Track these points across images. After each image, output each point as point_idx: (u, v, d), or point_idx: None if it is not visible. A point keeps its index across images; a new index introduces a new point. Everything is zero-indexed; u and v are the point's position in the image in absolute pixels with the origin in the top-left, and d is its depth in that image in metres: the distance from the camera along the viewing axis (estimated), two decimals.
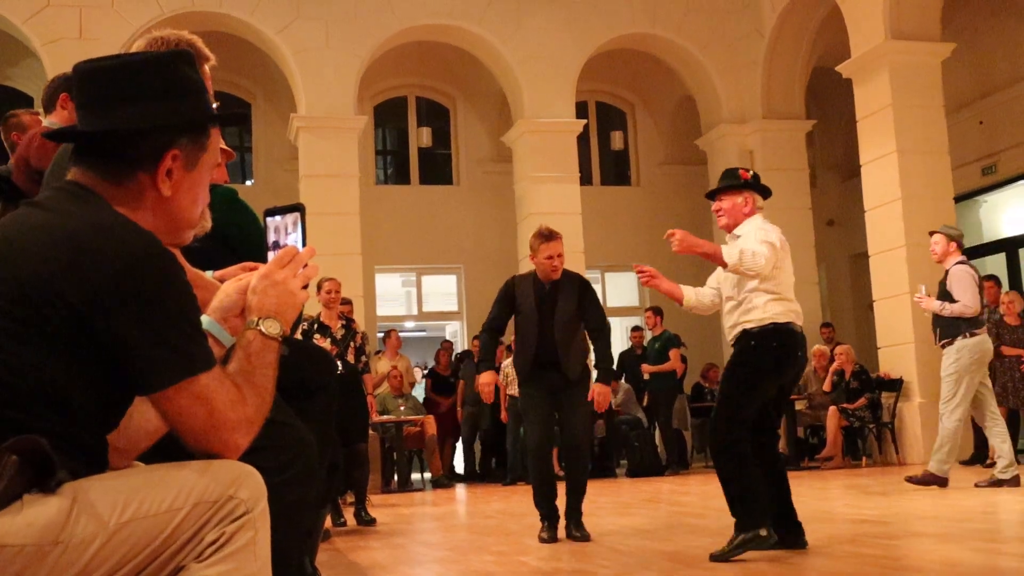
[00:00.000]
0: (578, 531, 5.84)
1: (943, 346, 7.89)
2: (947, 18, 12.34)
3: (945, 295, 7.89)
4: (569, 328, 5.98)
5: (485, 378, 6.09)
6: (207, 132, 1.81)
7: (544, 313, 5.97)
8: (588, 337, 6.16)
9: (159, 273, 1.61)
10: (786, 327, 4.91)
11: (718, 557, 4.59)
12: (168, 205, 1.76)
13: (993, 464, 10.14)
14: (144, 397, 1.66)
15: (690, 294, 5.29)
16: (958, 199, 12.53)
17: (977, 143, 13.98)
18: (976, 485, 7.85)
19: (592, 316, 6.07)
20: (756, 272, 4.76)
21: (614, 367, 8.21)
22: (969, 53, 13.39)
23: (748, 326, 4.92)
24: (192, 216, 1.82)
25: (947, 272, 7.98)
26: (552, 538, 5.77)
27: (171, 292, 1.62)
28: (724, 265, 4.78)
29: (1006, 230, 14.50)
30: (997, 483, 7.82)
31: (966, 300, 7.75)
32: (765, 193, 5.19)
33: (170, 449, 1.77)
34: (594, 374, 6.33)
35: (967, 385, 7.78)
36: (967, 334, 7.80)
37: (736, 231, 5.05)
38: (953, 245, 8.05)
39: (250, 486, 1.65)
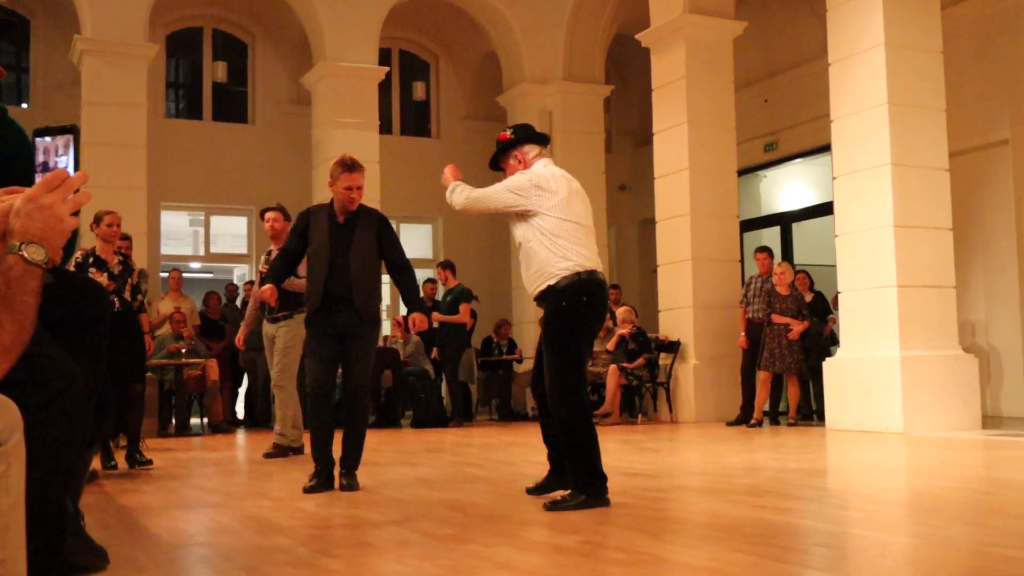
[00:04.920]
0: (347, 479, 5.62)
1: (277, 319, 8.05)
2: None
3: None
4: (366, 264, 5.75)
5: (266, 291, 5.96)
6: None
7: (338, 246, 5.71)
8: (392, 276, 5.92)
9: None
10: (590, 276, 4.73)
11: (554, 507, 4.52)
12: None
13: (754, 425, 10.82)
14: None
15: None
16: (741, 172, 13.17)
17: (761, 120, 14.71)
18: (264, 455, 8.12)
19: (394, 254, 5.87)
20: (460, 207, 5.14)
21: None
22: (759, 33, 14.02)
23: (552, 282, 4.70)
24: None
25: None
26: (318, 488, 5.53)
27: None
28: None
29: (782, 204, 15.38)
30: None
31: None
32: (540, 139, 5.17)
33: None
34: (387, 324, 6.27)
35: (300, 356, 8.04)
36: (304, 309, 8.21)
37: None
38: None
39: (3, 417, 1.54)
